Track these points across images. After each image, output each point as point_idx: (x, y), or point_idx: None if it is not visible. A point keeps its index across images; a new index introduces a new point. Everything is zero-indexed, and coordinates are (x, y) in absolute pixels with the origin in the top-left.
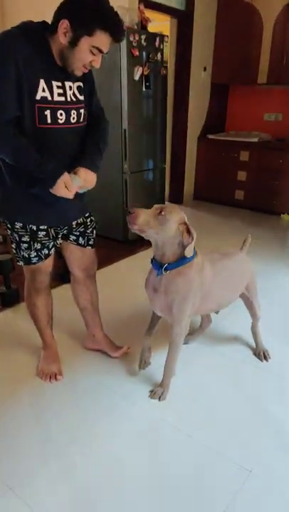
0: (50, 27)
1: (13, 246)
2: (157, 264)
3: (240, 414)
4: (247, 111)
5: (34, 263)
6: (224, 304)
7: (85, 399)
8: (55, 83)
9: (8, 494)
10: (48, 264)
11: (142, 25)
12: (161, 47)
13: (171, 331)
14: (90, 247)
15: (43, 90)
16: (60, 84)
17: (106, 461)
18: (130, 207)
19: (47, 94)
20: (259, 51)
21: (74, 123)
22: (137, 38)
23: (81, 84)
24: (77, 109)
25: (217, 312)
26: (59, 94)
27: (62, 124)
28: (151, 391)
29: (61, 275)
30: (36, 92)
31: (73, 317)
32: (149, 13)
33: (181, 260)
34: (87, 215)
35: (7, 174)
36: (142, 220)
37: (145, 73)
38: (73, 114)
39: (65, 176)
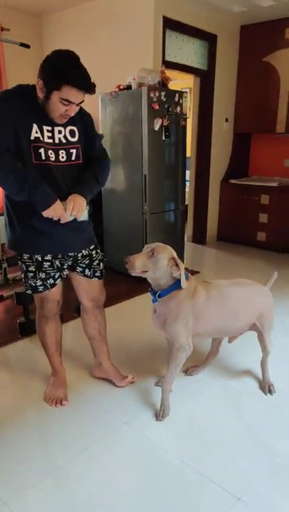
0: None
1: (22, 276)
2: (153, 292)
3: (237, 444)
4: (268, 157)
5: (40, 291)
6: (225, 330)
7: (87, 423)
8: (45, 127)
9: (4, 509)
10: (55, 292)
11: (163, 83)
12: (180, 101)
13: (173, 346)
14: (96, 279)
15: (36, 132)
16: (50, 128)
17: (100, 481)
18: (126, 257)
19: (39, 135)
20: (277, 103)
21: (64, 161)
22: (157, 94)
23: (74, 128)
24: (67, 150)
25: (229, 341)
26: (48, 137)
27: (54, 161)
28: (156, 415)
29: (78, 308)
30: (30, 133)
31: (87, 347)
32: (173, 73)
33: (172, 286)
34: (92, 247)
35: (10, 208)
36: (139, 265)
37: (165, 124)
38: (61, 153)
39: (57, 202)
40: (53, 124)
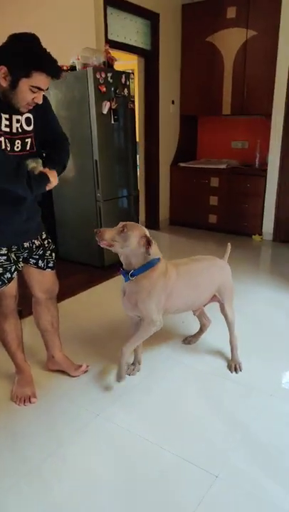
0: None
1: None
2: (124, 272)
3: (210, 423)
4: (215, 140)
5: None
6: (192, 304)
7: (60, 419)
8: (3, 115)
9: None
10: (11, 288)
11: (109, 64)
12: (128, 83)
13: (143, 321)
14: (49, 270)
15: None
16: (7, 116)
17: (78, 477)
18: (95, 229)
19: (3, 127)
20: (222, 85)
21: (18, 151)
22: (103, 75)
23: (30, 115)
24: (23, 139)
25: (195, 314)
26: (5, 126)
27: (9, 151)
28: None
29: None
30: None
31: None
32: (117, 53)
33: (145, 266)
34: (44, 236)
35: None
36: (108, 237)
37: (113, 107)
38: (17, 143)
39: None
40: (10, 111)
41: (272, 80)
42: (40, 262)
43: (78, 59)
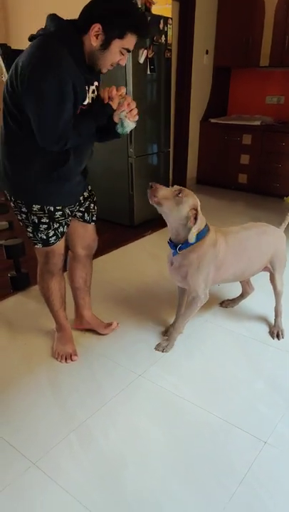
0: (80, 28)
1: (30, 229)
2: (173, 244)
3: (253, 389)
4: (249, 94)
5: (52, 243)
6: (242, 275)
7: (102, 376)
8: (91, 87)
9: (32, 470)
10: (61, 245)
11: (146, 7)
12: (166, 29)
13: (189, 295)
14: (93, 223)
15: (87, 95)
16: (87, 88)
17: (126, 434)
18: (151, 182)
19: (89, 98)
20: (261, 35)
21: None
22: None
23: (97, 83)
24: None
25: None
26: (89, 98)
27: None
28: (158, 344)
29: None
30: (85, 99)
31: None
32: None
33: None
34: (90, 187)
35: (35, 160)
36: (161, 195)
37: (150, 56)
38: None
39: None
40: (90, 81)
41: None
42: (86, 215)
43: None
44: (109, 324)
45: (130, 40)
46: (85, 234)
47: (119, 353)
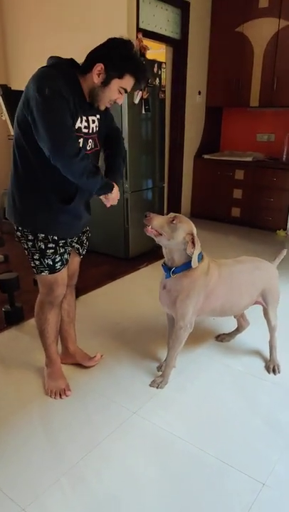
0: (81, 67)
1: (37, 256)
2: (166, 268)
3: (249, 426)
4: (241, 132)
5: (58, 269)
6: (230, 309)
7: (95, 414)
8: (84, 117)
9: None
10: (65, 274)
11: (141, 52)
12: (159, 72)
13: (176, 325)
14: (81, 256)
15: (80, 122)
16: (86, 118)
17: (119, 476)
18: (147, 212)
19: (81, 125)
20: (250, 77)
21: (89, 150)
22: None
23: (99, 116)
24: (93, 139)
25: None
26: (85, 127)
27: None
28: (153, 381)
29: None
30: (75, 123)
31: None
32: (146, 42)
33: (187, 264)
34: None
35: (46, 190)
36: (156, 224)
37: (144, 97)
38: (90, 142)
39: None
40: (89, 112)
41: None
42: (80, 248)
43: None
44: (93, 357)
45: (128, 81)
46: (70, 265)
47: (113, 388)
